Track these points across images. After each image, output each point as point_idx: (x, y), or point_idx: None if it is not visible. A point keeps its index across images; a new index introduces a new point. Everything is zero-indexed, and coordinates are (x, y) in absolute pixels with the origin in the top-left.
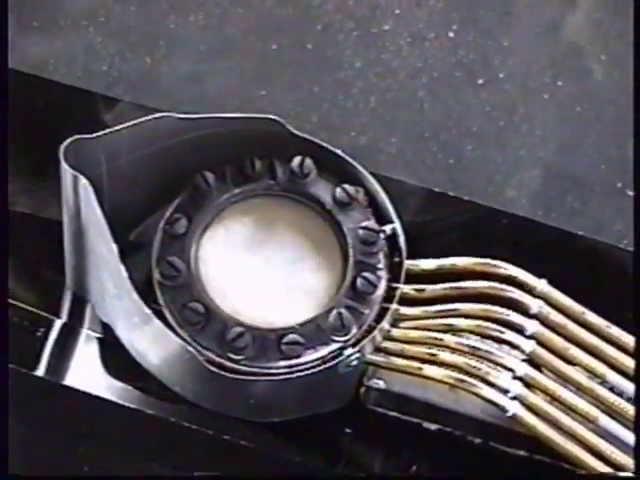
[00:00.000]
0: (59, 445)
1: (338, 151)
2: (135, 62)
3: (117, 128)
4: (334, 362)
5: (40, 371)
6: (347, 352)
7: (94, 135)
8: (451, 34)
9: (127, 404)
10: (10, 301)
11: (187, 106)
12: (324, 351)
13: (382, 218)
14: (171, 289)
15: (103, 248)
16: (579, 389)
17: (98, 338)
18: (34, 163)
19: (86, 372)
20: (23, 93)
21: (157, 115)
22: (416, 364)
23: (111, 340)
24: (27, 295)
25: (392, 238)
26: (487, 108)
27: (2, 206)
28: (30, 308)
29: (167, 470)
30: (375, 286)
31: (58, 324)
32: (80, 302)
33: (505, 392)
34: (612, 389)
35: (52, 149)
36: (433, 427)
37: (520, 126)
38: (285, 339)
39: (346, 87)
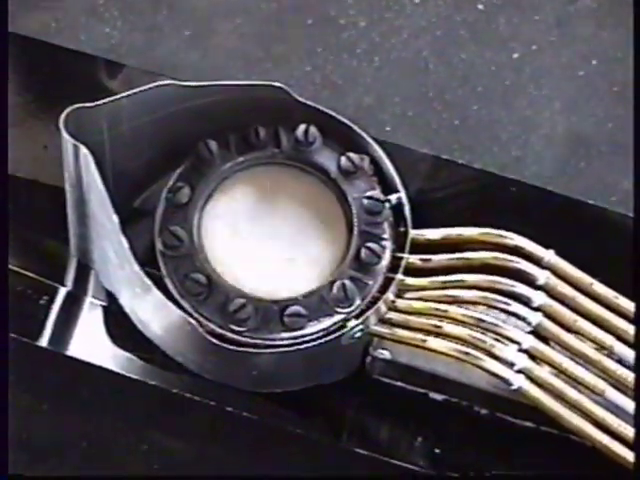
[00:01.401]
0: (62, 415)
1: (344, 119)
2: (138, 24)
3: (118, 96)
4: (337, 334)
5: (44, 340)
6: (351, 324)
7: (95, 103)
8: None
9: (130, 374)
10: (13, 268)
11: (189, 69)
12: (327, 323)
13: (387, 187)
14: (173, 259)
15: (104, 218)
16: (586, 362)
17: (102, 306)
18: (37, 129)
19: (90, 341)
20: (26, 58)
21: (159, 83)
22: (420, 336)
23: (115, 309)
24: (31, 263)
25: (397, 207)
26: (492, 67)
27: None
28: (34, 276)
29: (169, 440)
30: (379, 256)
31: (62, 292)
32: (84, 270)
33: (511, 365)
34: (620, 361)
35: (56, 114)
36: (439, 397)
37: (526, 86)
38: (288, 311)
39: (350, 47)
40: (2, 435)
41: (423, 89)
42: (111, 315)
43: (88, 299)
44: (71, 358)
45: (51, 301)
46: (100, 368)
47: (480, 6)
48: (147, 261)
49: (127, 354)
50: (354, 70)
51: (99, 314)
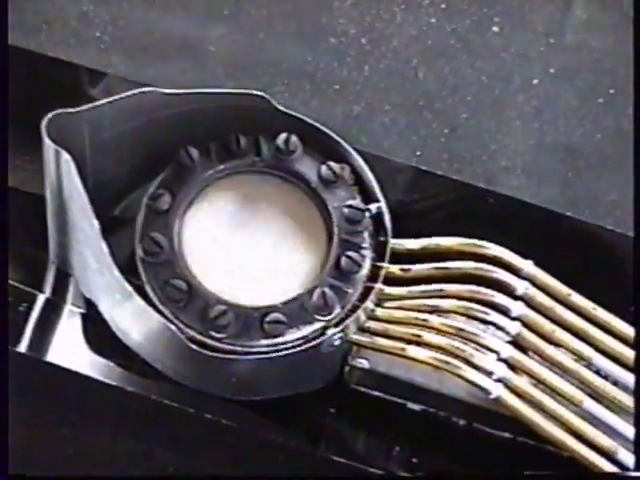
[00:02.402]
0: (40, 422)
1: (324, 128)
2: (127, 29)
3: (101, 102)
4: (317, 341)
5: (22, 346)
6: (330, 331)
7: (77, 109)
8: (444, 2)
9: (109, 381)
10: None
11: (179, 73)
12: (307, 330)
13: (368, 196)
14: (154, 266)
15: (85, 224)
16: (565, 372)
17: (81, 314)
18: (18, 137)
19: (68, 348)
20: (7, 65)
21: (141, 90)
22: (400, 344)
23: (94, 316)
24: (10, 270)
25: (377, 217)
26: (482, 77)
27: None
28: (13, 283)
29: (149, 448)
30: (360, 265)
31: (41, 299)
32: (64, 277)
33: (489, 374)
34: (598, 372)
35: (36, 122)
36: (417, 407)
37: (515, 96)
38: (268, 318)
39: (340, 55)
40: (2, 435)
41: (413, 98)
42: (90, 322)
43: (67, 306)
44: (50, 364)
45: (30, 308)
46: (78, 374)
47: (470, 16)
48: (127, 270)
49: (106, 361)
50: (344, 78)
51: (78, 321)
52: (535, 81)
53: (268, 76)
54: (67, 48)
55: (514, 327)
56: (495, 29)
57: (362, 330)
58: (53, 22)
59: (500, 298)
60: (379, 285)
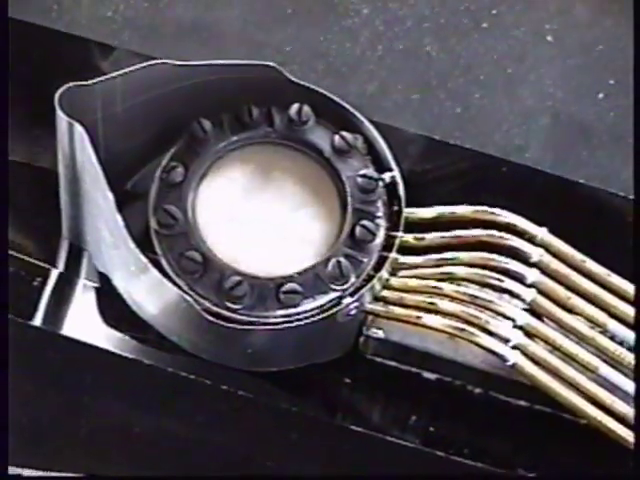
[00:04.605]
0: (56, 395)
1: (336, 98)
2: (139, 8)
3: (112, 75)
4: (333, 311)
5: (37, 321)
6: (346, 301)
7: (89, 82)
8: None
9: (125, 354)
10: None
11: (192, 53)
12: (323, 300)
13: (381, 166)
14: (168, 238)
15: (99, 197)
16: (580, 338)
17: (95, 288)
18: (30, 112)
19: (83, 322)
20: (18, 41)
21: (153, 62)
22: (415, 313)
23: (108, 290)
24: (24, 244)
25: (391, 186)
26: (495, 56)
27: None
28: (27, 258)
29: (164, 420)
30: (374, 234)
31: (55, 274)
32: (77, 251)
33: (505, 341)
34: (612, 338)
35: (48, 97)
36: (432, 377)
37: (528, 74)
38: (283, 288)
39: (353, 35)
40: (2, 435)
41: (426, 77)
42: (104, 296)
43: (81, 281)
44: (65, 338)
45: (44, 282)
46: (94, 348)
47: None
48: (140, 243)
49: (121, 334)
50: (357, 58)
51: (92, 295)
52: (548, 60)
53: (282, 55)
54: (79, 28)
55: (529, 294)
56: (507, 8)
57: (377, 299)
58: (64, 2)
59: (515, 265)
60: (394, 254)
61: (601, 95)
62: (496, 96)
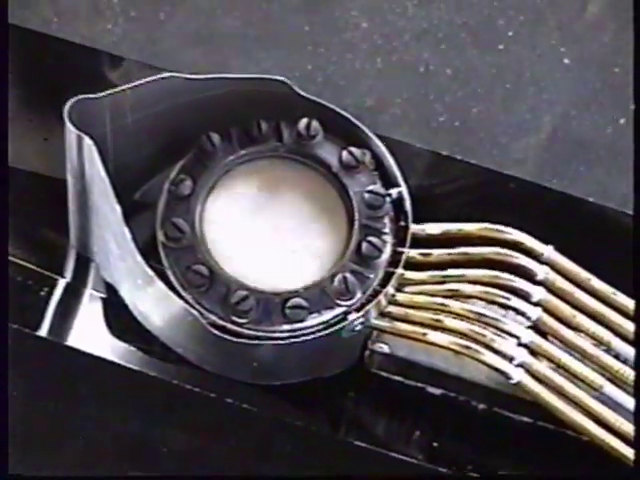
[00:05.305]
0: (59, 405)
1: (345, 113)
2: (140, 21)
3: (122, 88)
4: (338, 327)
5: (43, 331)
6: (351, 317)
7: (99, 95)
8: None
9: (129, 365)
10: (13, 260)
11: (192, 66)
12: (328, 315)
13: (388, 181)
14: (175, 251)
15: (107, 208)
16: (584, 357)
17: (102, 298)
18: (39, 122)
19: (89, 332)
20: (28, 50)
21: (163, 75)
22: (421, 329)
23: (115, 301)
24: (31, 254)
25: (398, 202)
26: (493, 70)
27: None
28: (34, 267)
29: (168, 432)
30: (380, 250)
31: (62, 284)
32: (84, 262)
33: (510, 359)
34: (617, 356)
35: (57, 108)
36: (437, 392)
37: (526, 89)
38: (289, 303)
39: (352, 48)
40: (2, 435)
41: (424, 91)
42: (111, 307)
43: (88, 291)
44: (70, 348)
45: (51, 292)
46: (99, 359)
47: (481, 9)
48: (147, 255)
49: (127, 345)
50: (356, 71)
51: (99, 306)
52: (546, 74)
53: (281, 68)
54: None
55: (534, 312)
56: (506, 22)
57: (383, 315)
58: (64, 14)
59: (520, 283)
60: (400, 270)
61: (599, 110)
62: (494, 110)
